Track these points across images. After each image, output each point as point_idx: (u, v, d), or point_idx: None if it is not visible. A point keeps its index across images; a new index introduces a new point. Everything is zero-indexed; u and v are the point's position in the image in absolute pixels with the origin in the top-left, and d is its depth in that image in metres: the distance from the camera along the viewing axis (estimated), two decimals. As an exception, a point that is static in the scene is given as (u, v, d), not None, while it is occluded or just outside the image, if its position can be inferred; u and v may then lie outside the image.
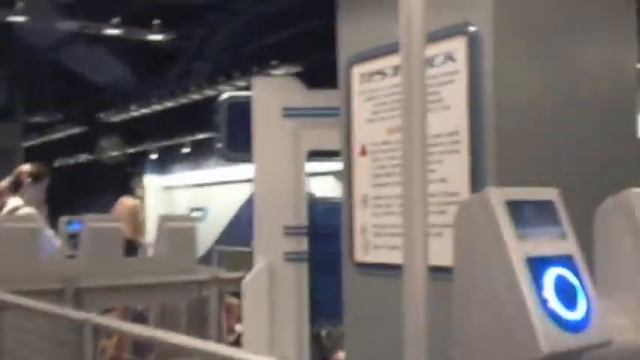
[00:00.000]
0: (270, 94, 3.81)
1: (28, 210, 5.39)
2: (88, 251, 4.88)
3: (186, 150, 17.16)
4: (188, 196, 18.59)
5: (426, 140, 1.65)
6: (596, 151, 2.55)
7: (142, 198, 16.66)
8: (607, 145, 2.57)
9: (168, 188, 19.30)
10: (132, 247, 5.67)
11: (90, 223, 5.05)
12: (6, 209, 5.46)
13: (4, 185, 5.69)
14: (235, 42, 10.89)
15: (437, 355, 1.62)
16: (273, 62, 9.71)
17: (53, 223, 6.98)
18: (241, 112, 3.85)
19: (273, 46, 10.39)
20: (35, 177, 5.64)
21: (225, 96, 4.04)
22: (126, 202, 5.91)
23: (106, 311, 5.14)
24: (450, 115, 2.53)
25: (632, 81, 2.83)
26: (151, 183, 19.55)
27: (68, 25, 8.87)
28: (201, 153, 16.38)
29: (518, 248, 1.58)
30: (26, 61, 11.47)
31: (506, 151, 2.42)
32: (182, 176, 18.78)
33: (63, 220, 7.02)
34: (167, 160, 18.68)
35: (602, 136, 2.58)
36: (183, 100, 12.35)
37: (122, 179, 18.31)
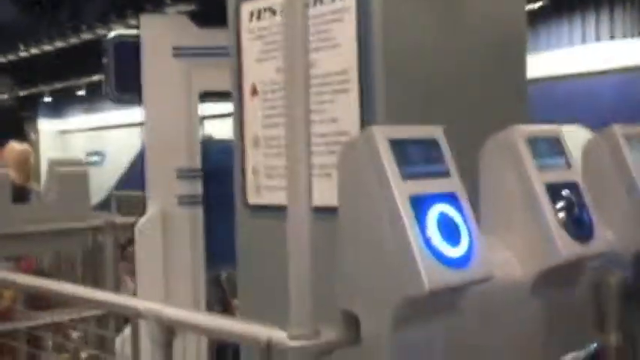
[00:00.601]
0: (160, 33, 3.68)
1: None
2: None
3: (81, 92, 16.61)
4: (84, 140, 18.09)
5: (309, 80, 1.60)
6: (486, 90, 2.57)
7: (34, 142, 16.12)
8: (496, 84, 2.59)
9: (64, 132, 18.72)
10: (22, 194, 5.46)
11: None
12: None
13: None
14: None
15: (323, 298, 1.61)
16: (167, 0, 9.43)
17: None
18: (129, 51, 3.72)
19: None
20: None
21: (111, 35, 3.88)
22: (14, 146, 5.66)
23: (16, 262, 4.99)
24: (339, 54, 2.49)
25: (522, 21, 2.86)
26: (45, 127, 18.91)
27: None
28: (97, 95, 15.90)
29: (401, 186, 1.58)
30: None
31: (395, 90, 2.40)
32: (78, 120, 18.24)
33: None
34: (61, 104, 18.07)
35: (492, 74, 2.59)
36: (75, 41, 11.88)
37: (15, 123, 17.61)
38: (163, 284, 3.66)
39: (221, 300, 4.40)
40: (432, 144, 1.69)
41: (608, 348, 2.03)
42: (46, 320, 4.51)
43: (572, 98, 11.54)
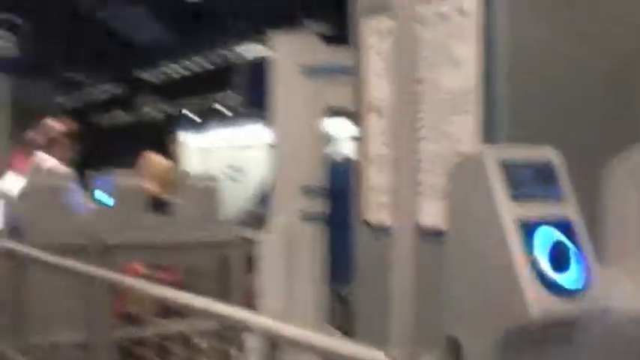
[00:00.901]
0: (289, 52, 3.75)
1: (62, 168, 5.44)
2: (114, 207, 4.90)
3: (221, 109, 17.20)
4: (224, 156, 18.66)
5: (417, 99, 1.58)
6: (615, 107, 2.44)
7: (176, 157, 16.76)
8: (626, 101, 2.46)
9: (205, 149, 19.39)
10: (160, 205, 5.68)
11: (117, 179, 5.08)
12: (36, 166, 5.50)
13: (34, 138, 5.70)
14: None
15: (426, 319, 1.57)
16: (305, 20, 9.63)
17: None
18: (260, 69, 3.80)
19: (305, 3, 10.27)
20: (69, 135, 5.67)
21: (243, 53, 3.98)
22: (152, 158, 5.91)
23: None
24: (461, 72, 2.44)
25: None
26: (187, 142, 19.65)
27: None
28: (236, 112, 16.40)
29: (510, 209, 1.52)
30: (63, 17, 11.52)
31: (519, 110, 2.33)
32: (219, 136, 18.84)
33: (93, 176, 7.07)
34: (204, 120, 18.74)
35: (620, 90, 2.46)
36: (216, 59, 12.33)
37: (159, 139, 18.42)
38: (285, 298, 3.70)
39: (347, 316, 4.39)
40: (546, 166, 1.62)
41: None
42: (176, 329, 4.64)
43: None
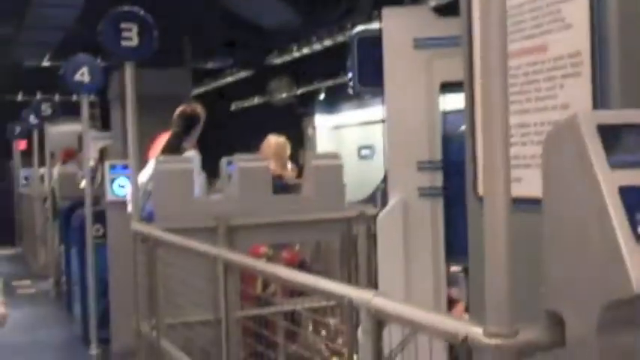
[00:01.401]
0: (400, 25, 3.69)
1: (191, 152, 5.61)
2: (239, 190, 5.03)
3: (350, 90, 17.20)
4: (357, 134, 18.69)
5: (506, 69, 1.51)
6: None
7: (311, 138, 16.95)
8: None
9: (337, 127, 19.49)
10: (283, 186, 5.76)
11: (240, 162, 5.20)
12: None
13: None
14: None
15: (523, 291, 1.52)
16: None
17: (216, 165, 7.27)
18: (372, 45, 3.77)
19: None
20: (198, 118, 5.82)
21: (355, 30, 3.96)
22: (271, 140, 6.01)
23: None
24: (571, 35, 2.32)
25: None
26: (321, 123, 19.80)
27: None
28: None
29: (610, 177, 1.43)
30: (192, 8, 11.87)
31: (632, 74, 2.19)
32: (350, 115, 18.88)
33: (224, 161, 7.28)
34: (335, 100, 18.83)
35: None
36: (342, 39, 12.34)
37: (293, 120, 18.69)
38: (404, 275, 3.68)
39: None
40: (650, 130, 1.52)
41: None
42: (301, 306, 4.70)
43: None
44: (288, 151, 6.05)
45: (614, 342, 1.45)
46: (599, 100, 2.24)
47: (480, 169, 2.75)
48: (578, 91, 2.31)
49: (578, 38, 2.30)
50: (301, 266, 5.41)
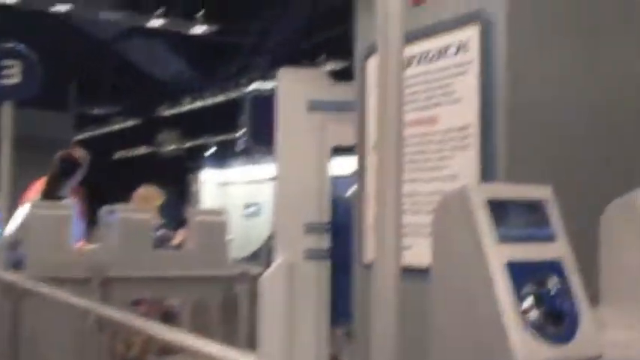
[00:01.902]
0: (295, 86, 3.70)
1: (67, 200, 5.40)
2: (119, 241, 4.85)
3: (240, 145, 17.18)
4: (243, 191, 18.60)
5: (402, 142, 1.52)
6: (618, 149, 2.37)
7: (194, 193, 16.73)
8: (630, 143, 2.39)
9: (224, 184, 19.35)
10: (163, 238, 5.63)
11: (122, 212, 5.03)
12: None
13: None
14: (291, 37, 10.83)
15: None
16: (322, 58, 9.63)
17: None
18: (266, 104, 3.76)
19: (327, 41, 10.30)
20: (78, 164, 5.64)
21: (249, 88, 3.96)
22: (140, 190, 5.95)
23: (135, 304, 5.10)
24: (460, 109, 2.39)
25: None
26: (207, 178, 19.61)
27: (113, 16, 8.92)
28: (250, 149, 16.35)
29: (498, 252, 1.45)
30: (80, 52, 11.64)
31: (519, 147, 2.27)
32: (237, 172, 18.81)
33: (104, 209, 7.03)
34: (224, 155, 18.74)
35: (624, 132, 2.39)
36: (235, 95, 12.39)
37: (179, 173, 18.42)
38: (286, 337, 3.61)
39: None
40: (537, 206, 1.55)
41: None
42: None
43: None
44: (158, 202, 5.96)
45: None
46: (487, 172, 2.29)
47: (369, 237, 2.76)
48: (466, 163, 2.36)
49: (467, 112, 2.36)
50: (165, 317, 5.25)
